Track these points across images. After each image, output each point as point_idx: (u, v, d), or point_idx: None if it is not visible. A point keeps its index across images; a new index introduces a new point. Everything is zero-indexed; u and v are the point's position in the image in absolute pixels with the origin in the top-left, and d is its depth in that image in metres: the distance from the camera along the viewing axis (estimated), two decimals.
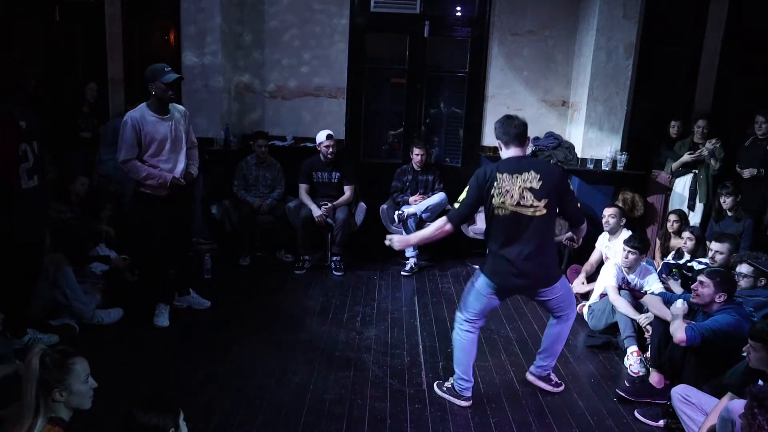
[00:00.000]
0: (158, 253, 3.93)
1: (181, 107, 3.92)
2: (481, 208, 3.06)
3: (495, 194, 2.91)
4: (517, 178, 2.90)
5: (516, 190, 2.89)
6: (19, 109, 3.27)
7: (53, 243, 3.95)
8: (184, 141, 3.86)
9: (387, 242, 3.19)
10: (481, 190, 2.96)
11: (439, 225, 3.10)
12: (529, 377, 3.43)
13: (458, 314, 3.22)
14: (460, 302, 3.21)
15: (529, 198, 2.88)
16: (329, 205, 5.25)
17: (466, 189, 3.04)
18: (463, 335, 3.18)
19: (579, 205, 3.21)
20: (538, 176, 2.89)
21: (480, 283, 3.10)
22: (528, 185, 2.89)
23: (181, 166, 3.85)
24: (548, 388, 3.36)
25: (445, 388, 3.28)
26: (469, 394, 3.19)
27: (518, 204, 2.89)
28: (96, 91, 5.30)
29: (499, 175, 2.92)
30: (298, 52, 5.88)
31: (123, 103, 5.57)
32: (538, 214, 2.90)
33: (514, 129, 2.99)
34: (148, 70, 3.65)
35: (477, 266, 3.21)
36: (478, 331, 3.20)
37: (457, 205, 3.07)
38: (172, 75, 3.64)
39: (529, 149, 5.64)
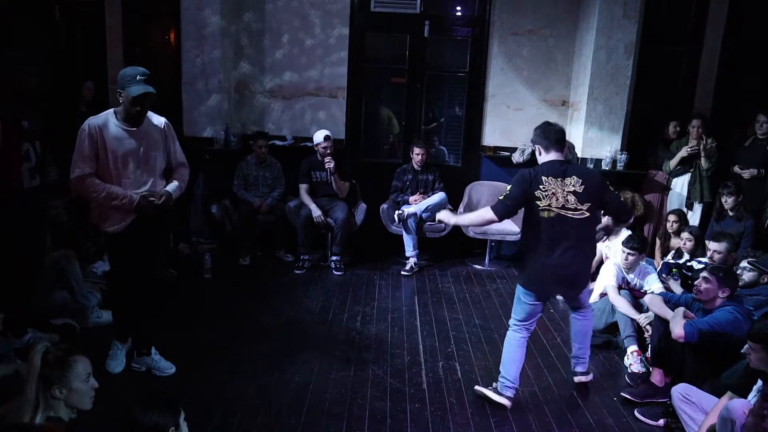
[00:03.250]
0: (128, 293, 3.31)
1: (160, 119, 3.24)
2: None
3: (541, 196, 2.96)
4: (560, 181, 2.98)
5: (561, 194, 2.96)
6: (21, 108, 3.27)
7: (54, 242, 3.96)
8: (157, 161, 3.18)
9: (438, 217, 3.37)
10: (526, 190, 2.99)
11: (482, 213, 3.14)
12: (582, 379, 3.44)
13: (510, 321, 3.26)
14: (512, 312, 3.25)
15: (573, 201, 2.96)
16: (321, 219, 5.23)
17: (510, 186, 3.05)
18: (511, 335, 3.21)
19: (622, 199, 3.32)
20: (581, 181, 2.98)
21: (519, 291, 3.15)
22: (571, 189, 2.97)
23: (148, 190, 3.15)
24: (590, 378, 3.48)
25: (491, 387, 3.27)
26: (509, 393, 3.18)
27: (563, 207, 2.95)
28: (93, 90, 5.30)
29: (544, 178, 2.98)
30: (298, 52, 5.88)
31: None
32: (580, 216, 2.97)
33: (554, 135, 3.07)
34: (120, 74, 3.02)
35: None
36: (528, 333, 3.21)
37: (501, 198, 3.07)
38: (139, 87, 2.95)
39: (529, 149, 5.66)
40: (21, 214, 3.29)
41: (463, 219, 3.54)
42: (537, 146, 3.13)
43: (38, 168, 3.35)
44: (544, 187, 2.96)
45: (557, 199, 2.95)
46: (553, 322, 4.37)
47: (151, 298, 3.41)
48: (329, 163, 5.19)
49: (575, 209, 2.95)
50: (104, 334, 3.75)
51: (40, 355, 1.96)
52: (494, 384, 3.28)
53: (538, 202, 2.96)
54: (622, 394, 3.31)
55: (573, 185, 2.97)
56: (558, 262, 2.98)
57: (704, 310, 3.28)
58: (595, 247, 3.25)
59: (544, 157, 3.10)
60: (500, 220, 3.10)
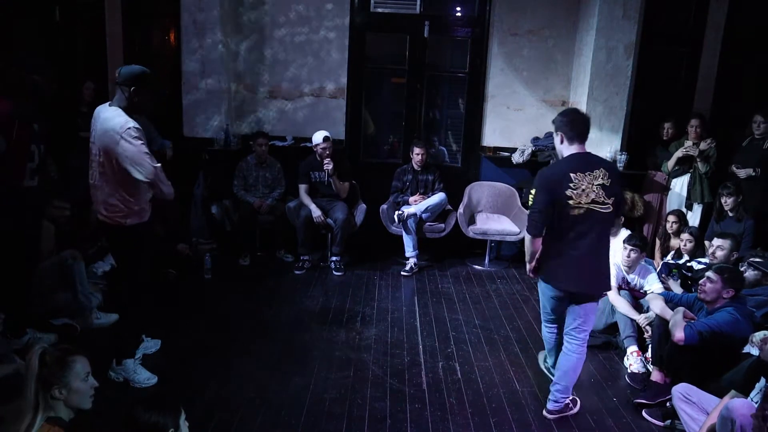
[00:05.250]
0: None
1: None
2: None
3: (572, 195, 2.86)
4: (589, 175, 2.89)
5: (590, 188, 2.88)
6: (34, 110, 3.32)
7: (57, 242, 3.96)
8: None
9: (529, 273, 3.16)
10: (553, 193, 2.88)
11: (527, 241, 3.04)
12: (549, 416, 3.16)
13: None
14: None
15: (602, 195, 2.89)
16: (321, 219, 5.23)
17: (533, 196, 2.97)
18: (547, 335, 3.33)
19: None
20: (607, 174, 2.91)
21: (542, 286, 3.15)
22: (600, 182, 2.90)
23: None
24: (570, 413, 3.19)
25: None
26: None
27: (593, 201, 2.88)
28: (93, 89, 5.29)
29: (572, 175, 2.87)
30: (299, 52, 5.88)
31: None
32: (606, 211, 2.91)
33: (581, 126, 2.95)
34: (138, 71, 3.04)
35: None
36: (555, 332, 3.30)
37: (530, 213, 2.99)
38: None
39: (529, 149, 5.66)
40: (18, 212, 3.31)
41: (530, 256, 3.10)
42: (560, 134, 2.96)
43: (39, 169, 3.37)
44: (574, 185, 2.86)
45: (587, 195, 2.86)
46: None
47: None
48: (328, 165, 5.20)
49: (603, 203, 2.88)
50: (104, 335, 3.76)
51: (37, 356, 1.96)
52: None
53: (569, 201, 2.85)
54: (635, 401, 3.25)
55: (601, 178, 2.89)
56: (582, 256, 2.92)
57: (707, 310, 3.28)
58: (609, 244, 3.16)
59: (566, 148, 2.96)
60: (540, 236, 2.99)
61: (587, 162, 2.92)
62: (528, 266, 3.14)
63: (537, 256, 3.05)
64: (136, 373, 3.23)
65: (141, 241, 3.18)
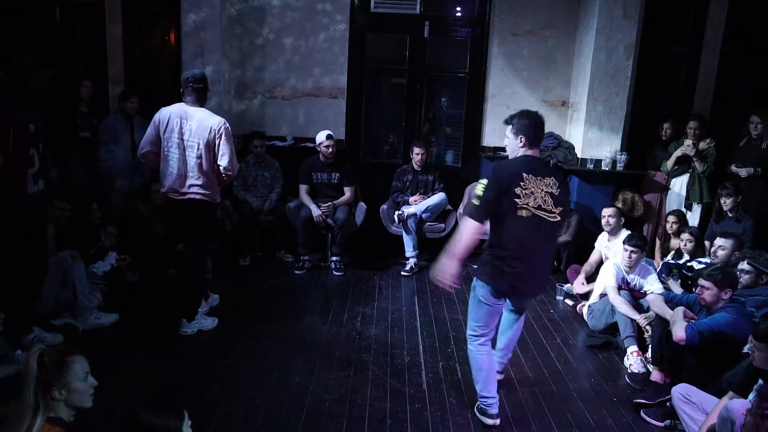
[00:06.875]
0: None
1: None
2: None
3: (521, 194, 2.80)
4: (540, 181, 2.84)
5: (539, 193, 2.83)
6: (28, 112, 3.29)
7: (57, 243, 3.96)
8: None
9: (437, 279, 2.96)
10: (501, 187, 2.80)
11: (468, 227, 2.90)
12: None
13: (468, 331, 3.04)
14: (468, 317, 3.06)
15: (550, 203, 2.84)
16: (330, 203, 5.26)
17: (484, 186, 2.83)
18: (477, 351, 2.99)
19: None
20: (557, 184, 2.87)
21: (481, 291, 2.97)
22: (549, 190, 2.85)
23: None
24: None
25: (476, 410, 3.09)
26: (495, 410, 3.00)
27: (539, 207, 2.83)
28: (91, 88, 5.28)
29: (525, 175, 2.83)
30: (299, 52, 5.89)
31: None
32: (553, 220, 2.86)
33: (542, 130, 2.95)
34: (204, 75, 3.82)
35: (475, 270, 3.09)
36: (490, 344, 3.03)
37: (476, 202, 2.85)
38: None
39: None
40: (25, 219, 3.30)
41: (456, 251, 2.99)
42: (522, 137, 2.89)
43: (41, 172, 3.36)
44: (524, 184, 2.80)
45: (535, 199, 2.81)
46: (553, 323, 4.37)
47: None
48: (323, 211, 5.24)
49: (551, 211, 2.83)
50: (104, 335, 3.77)
51: (35, 358, 1.95)
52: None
53: (517, 200, 2.79)
54: (635, 401, 3.25)
55: (551, 186, 2.84)
56: (527, 263, 2.86)
57: (707, 311, 3.28)
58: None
59: (522, 150, 2.91)
60: (483, 223, 2.92)
61: (539, 167, 2.89)
62: (454, 261, 2.94)
63: (467, 246, 2.94)
64: (204, 319, 3.95)
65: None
